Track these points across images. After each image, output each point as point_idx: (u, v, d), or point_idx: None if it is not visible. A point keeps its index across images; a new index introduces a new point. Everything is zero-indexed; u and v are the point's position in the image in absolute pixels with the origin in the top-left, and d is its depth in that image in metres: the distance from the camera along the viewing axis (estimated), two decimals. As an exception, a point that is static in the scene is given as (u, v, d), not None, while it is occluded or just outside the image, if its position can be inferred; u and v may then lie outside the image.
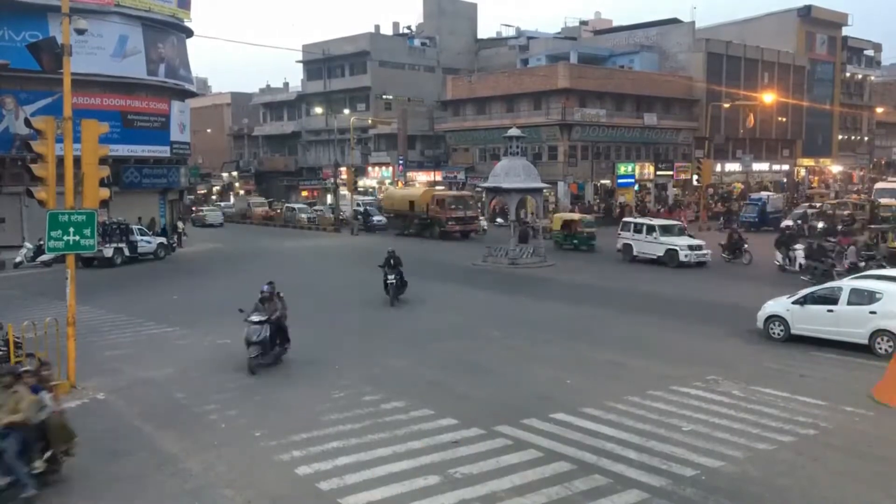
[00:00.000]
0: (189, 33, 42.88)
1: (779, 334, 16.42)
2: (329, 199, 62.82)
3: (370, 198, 57.28)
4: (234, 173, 77.67)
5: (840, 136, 77.77)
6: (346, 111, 62.26)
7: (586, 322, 19.01)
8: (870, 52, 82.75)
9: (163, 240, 35.23)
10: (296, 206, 57.78)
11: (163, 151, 40.16)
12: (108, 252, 30.24)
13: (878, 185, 52.55)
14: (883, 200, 44.15)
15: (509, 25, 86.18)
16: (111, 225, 31.67)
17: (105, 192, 13.57)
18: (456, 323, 18.89)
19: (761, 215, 42.22)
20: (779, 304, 16.80)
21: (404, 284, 21.42)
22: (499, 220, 45.60)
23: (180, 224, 41.97)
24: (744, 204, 47.16)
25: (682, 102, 58.78)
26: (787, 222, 38.22)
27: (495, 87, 56.77)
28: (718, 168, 59.25)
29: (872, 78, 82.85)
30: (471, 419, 11.21)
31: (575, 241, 35.14)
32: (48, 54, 13.41)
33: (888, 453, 10.02)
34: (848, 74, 78.02)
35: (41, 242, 23.30)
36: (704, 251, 28.79)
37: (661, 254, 29.01)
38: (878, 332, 14.91)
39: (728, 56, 61.28)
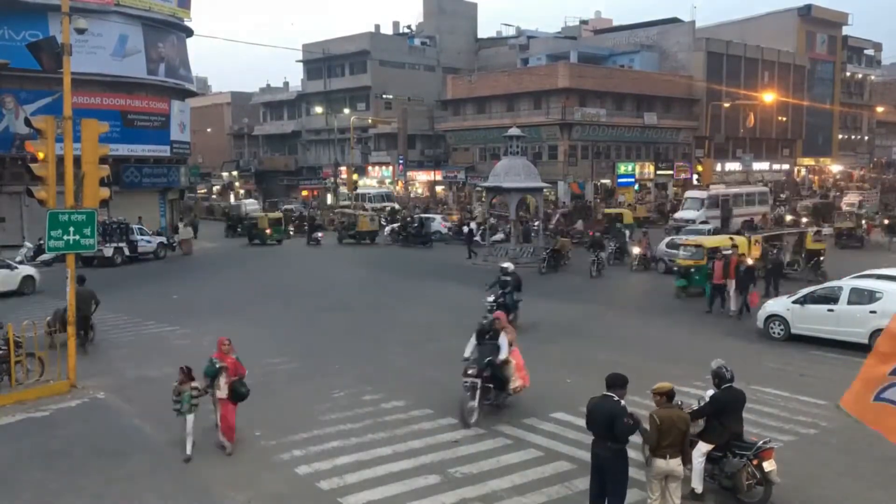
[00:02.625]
0: (189, 33, 42.91)
1: (779, 334, 16.42)
2: (329, 198, 62.85)
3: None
4: (234, 173, 77.72)
5: (840, 136, 77.82)
6: (346, 111, 62.30)
7: (586, 321, 18.99)
8: (870, 52, 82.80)
9: (163, 239, 35.25)
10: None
11: (163, 151, 40.18)
12: (108, 251, 30.24)
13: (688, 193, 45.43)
14: (847, 200, 44.26)
15: (509, 25, 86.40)
16: (111, 224, 31.66)
17: (105, 192, 13.57)
18: (455, 322, 18.87)
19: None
20: (779, 304, 16.80)
21: None
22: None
23: (181, 225, 41.75)
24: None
25: (682, 102, 58.80)
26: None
27: (495, 87, 56.78)
28: (719, 167, 59.29)
29: (872, 77, 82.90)
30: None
31: None
32: (48, 54, 13.41)
33: (888, 453, 10.01)
34: (848, 74, 78.07)
35: (41, 242, 23.30)
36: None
37: None
38: (878, 332, 14.91)
39: (728, 55, 61.30)
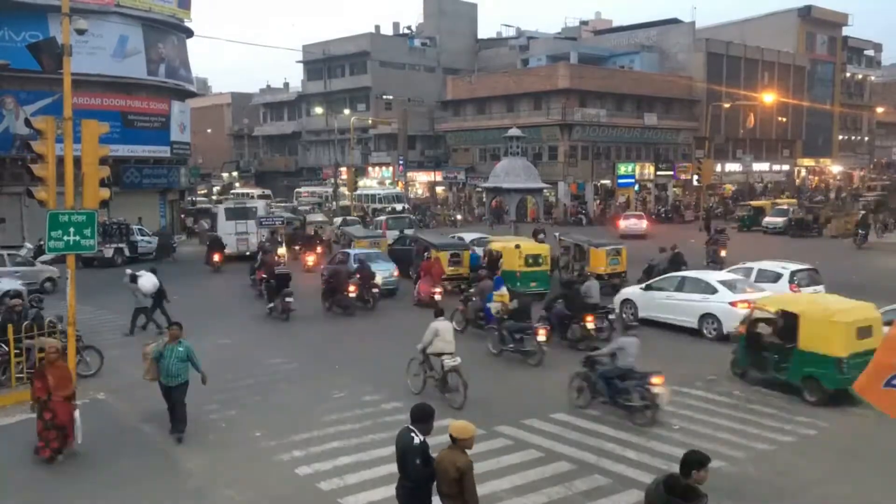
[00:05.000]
0: (189, 33, 42.92)
1: (631, 317, 17.79)
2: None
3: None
4: (235, 173, 77.72)
5: (840, 136, 77.77)
6: (347, 111, 62.28)
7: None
8: (870, 52, 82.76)
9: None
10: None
11: (163, 151, 40.18)
12: (109, 252, 30.22)
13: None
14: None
15: (509, 25, 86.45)
16: (111, 225, 31.64)
17: (105, 193, 13.54)
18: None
19: None
20: (632, 290, 18.83)
21: None
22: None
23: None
24: None
25: (683, 102, 58.79)
26: None
27: (495, 88, 56.78)
28: (719, 168, 59.31)
29: (872, 78, 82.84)
30: (471, 419, 11.13)
31: None
32: (48, 54, 13.39)
33: (888, 453, 10.02)
34: (848, 74, 78.02)
35: (41, 242, 23.31)
36: None
37: None
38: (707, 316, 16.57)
39: (728, 56, 61.29)
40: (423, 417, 6.60)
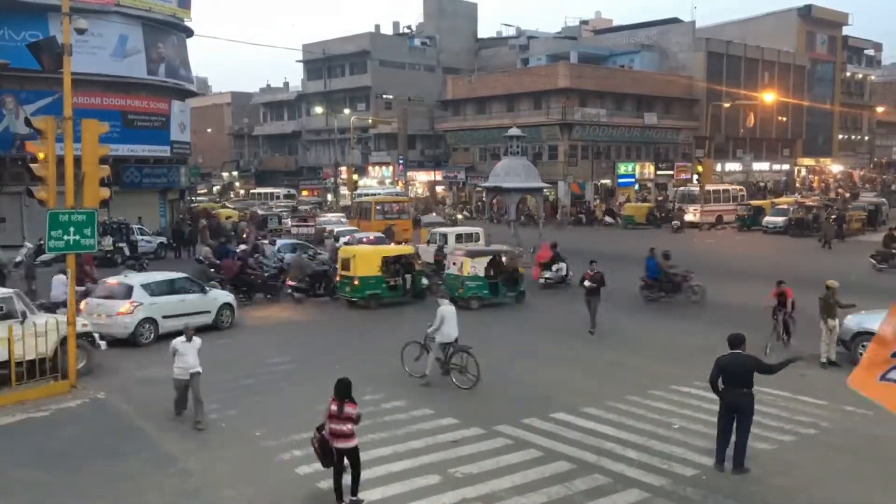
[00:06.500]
0: (189, 33, 42.90)
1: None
2: (329, 197, 62.86)
3: None
4: (235, 173, 77.77)
5: (840, 136, 77.79)
6: (347, 111, 62.28)
7: (586, 321, 18.95)
8: (870, 52, 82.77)
9: (163, 239, 35.19)
10: None
11: (163, 151, 40.16)
12: (108, 245, 30.13)
13: None
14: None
15: (509, 25, 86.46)
16: (111, 224, 31.60)
17: (105, 192, 13.55)
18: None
19: None
20: None
21: None
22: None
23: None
24: None
25: (683, 102, 58.79)
26: None
27: (495, 87, 56.79)
28: (719, 168, 59.32)
29: (873, 77, 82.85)
30: (471, 418, 11.21)
31: None
32: (48, 54, 13.39)
33: (888, 453, 10.02)
34: (848, 74, 78.04)
35: (41, 242, 23.28)
36: None
37: None
38: None
39: (728, 55, 61.31)
40: (743, 339, 9.46)
